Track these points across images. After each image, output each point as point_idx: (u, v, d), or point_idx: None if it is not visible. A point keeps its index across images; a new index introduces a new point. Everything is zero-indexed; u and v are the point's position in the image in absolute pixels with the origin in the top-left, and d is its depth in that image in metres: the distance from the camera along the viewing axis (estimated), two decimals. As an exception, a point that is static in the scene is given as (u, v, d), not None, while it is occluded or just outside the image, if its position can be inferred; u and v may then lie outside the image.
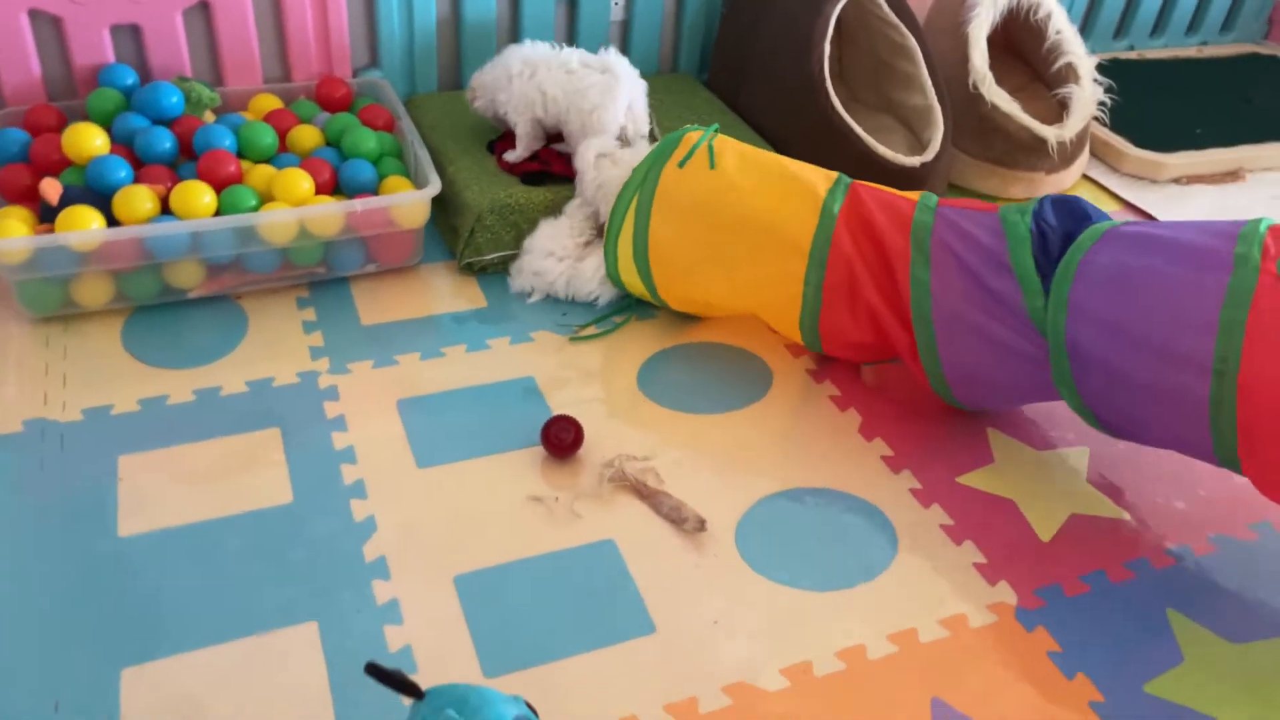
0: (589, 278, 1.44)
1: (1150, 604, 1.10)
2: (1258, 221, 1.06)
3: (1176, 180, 1.92)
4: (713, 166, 1.34)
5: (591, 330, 1.42)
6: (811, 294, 1.29)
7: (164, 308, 1.39)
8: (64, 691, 0.93)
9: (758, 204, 1.31)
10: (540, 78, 1.50)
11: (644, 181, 1.37)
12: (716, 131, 1.40)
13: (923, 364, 1.25)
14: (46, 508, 1.10)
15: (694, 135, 1.39)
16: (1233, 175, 1.96)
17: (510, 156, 1.55)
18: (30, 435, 1.19)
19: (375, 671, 0.80)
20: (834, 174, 1.33)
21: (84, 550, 1.06)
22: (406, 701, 0.79)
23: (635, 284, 1.42)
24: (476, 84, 1.59)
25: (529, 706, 0.82)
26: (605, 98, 1.47)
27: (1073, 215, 1.19)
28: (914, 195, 1.30)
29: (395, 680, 0.80)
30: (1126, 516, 1.21)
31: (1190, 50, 2.39)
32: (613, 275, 1.43)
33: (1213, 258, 1.04)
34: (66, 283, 1.33)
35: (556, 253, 1.45)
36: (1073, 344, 1.12)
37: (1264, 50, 2.43)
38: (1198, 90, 2.20)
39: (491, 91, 1.56)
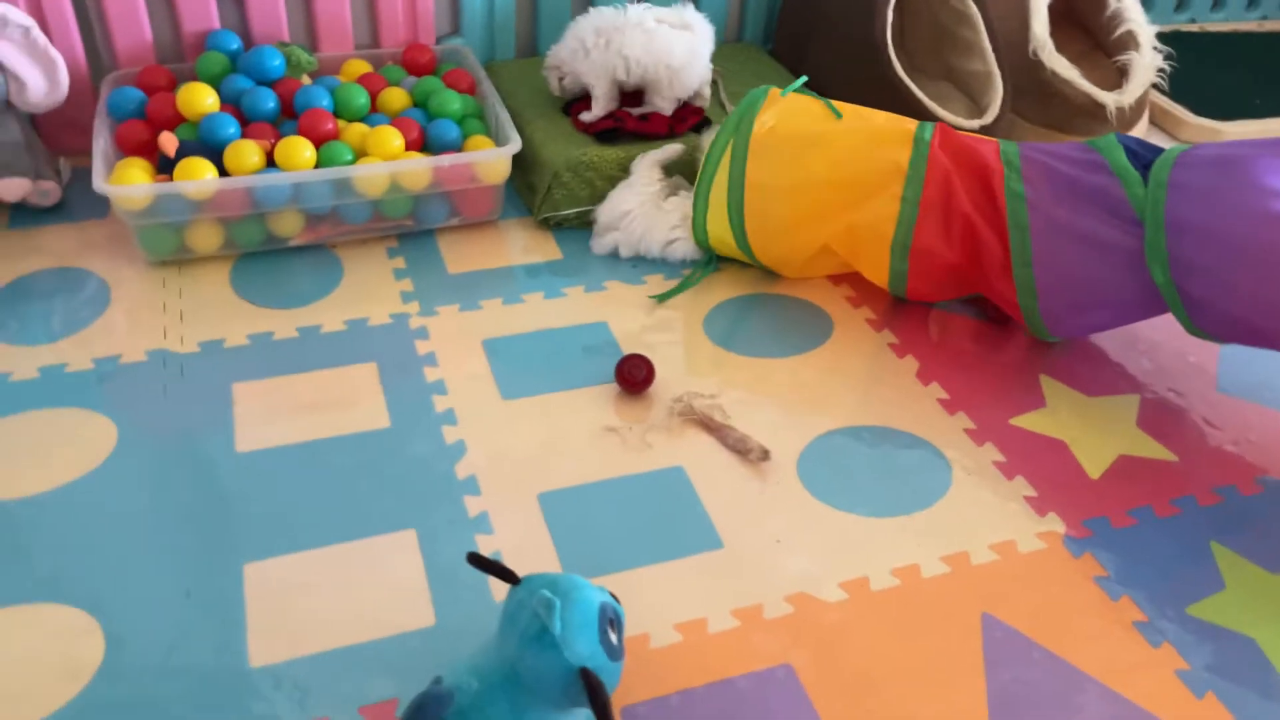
0: (666, 224, 1.51)
1: (1195, 536, 1.16)
2: None
3: (1236, 148, 1.95)
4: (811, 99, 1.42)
5: (670, 286, 1.50)
6: (908, 211, 1.35)
7: (267, 254, 1.51)
8: (194, 581, 1.04)
9: (853, 139, 1.40)
10: (619, 42, 1.57)
11: (737, 129, 1.44)
12: (805, 82, 1.47)
13: (1014, 274, 1.32)
14: (172, 427, 1.22)
15: (776, 91, 1.46)
16: (1293, 144, 1.98)
17: (586, 117, 1.64)
18: (153, 364, 1.30)
19: (476, 560, 0.90)
20: (916, 121, 1.41)
21: (208, 463, 1.17)
22: (497, 597, 0.88)
23: (724, 236, 1.48)
24: (554, 62, 1.66)
25: (613, 597, 0.91)
26: (690, 55, 1.56)
27: (1148, 148, 1.28)
28: (991, 139, 1.38)
29: (494, 567, 0.90)
30: (1174, 458, 1.26)
31: (1250, 24, 2.40)
32: (699, 233, 1.50)
33: None
34: (181, 229, 1.45)
35: (633, 210, 1.53)
36: (1173, 222, 1.19)
37: (1329, 23, 2.43)
38: (1257, 62, 2.21)
39: (571, 65, 1.64)
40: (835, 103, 1.45)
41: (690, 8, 1.62)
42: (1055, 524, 1.16)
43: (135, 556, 1.06)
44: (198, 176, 1.40)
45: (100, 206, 1.57)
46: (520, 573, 0.90)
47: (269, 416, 1.24)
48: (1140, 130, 1.91)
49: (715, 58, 1.79)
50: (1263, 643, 1.05)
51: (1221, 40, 2.28)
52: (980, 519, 1.17)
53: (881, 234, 1.38)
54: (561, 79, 1.67)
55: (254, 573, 1.05)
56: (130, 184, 1.38)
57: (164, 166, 1.44)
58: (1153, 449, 1.28)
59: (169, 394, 1.26)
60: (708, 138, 1.53)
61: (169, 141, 1.43)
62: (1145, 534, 1.16)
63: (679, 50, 1.57)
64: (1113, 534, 1.16)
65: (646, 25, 1.58)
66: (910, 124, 1.39)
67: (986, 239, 1.33)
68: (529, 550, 1.09)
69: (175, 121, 1.52)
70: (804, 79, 1.49)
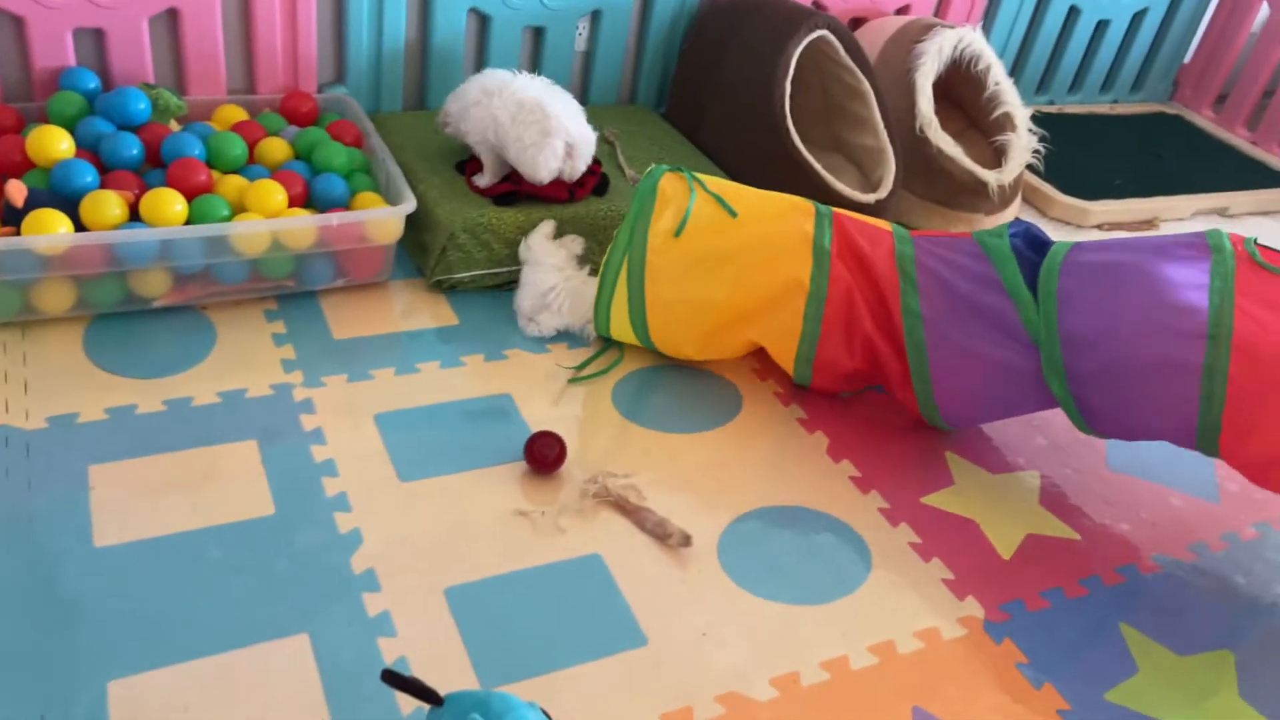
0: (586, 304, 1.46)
1: (1105, 618, 1.18)
2: (1215, 230, 1.21)
3: (1099, 226, 2.06)
4: (678, 234, 1.36)
5: (590, 369, 1.43)
6: (810, 328, 1.33)
7: (126, 316, 1.36)
8: (50, 704, 0.90)
9: (753, 254, 1.34)
10: (494, 104, 1.50)
11: (630, 244, 1.37)
12: (692, 180, 1.40)
13: (914, 387, 1.32)
14: (16, 516, 1.06)
15: (669, 182, 1.40)
16: (1148, 224, 2.11)
17: (480, 182, 1.56)
18: (-8, 442, 1.14)
19: (392, 678, 0.80)
20: (810, 204, 1.38)
21: (61, 559, 1.02)
22: (404, 710, 0.79)
23: (627, 336, 1.44)
24: (446, 110, 1.60)
25: (545, 714, 0.83)
26: (541, 141, 1.47)
27: (1036, 239, 1.30)
28: (884, 223, 1.37)
29: (413, 686, 0.80)
30: (1078, 537, 1.28)
31: (1104, 107, 2.56)
32: (602, 328, 1.44)
33: (1191, 249, 1.18)
34: (26, 288, 1.29)
35: (558, 285, 1.47)
36: (1066, 334, 1.21)
37: (1169, 110, 2.61)
38: (1113, 144, 2.35)
39: (457, 119, 1.57)
40: (727, 187, 1.41)
41: (560, 94, 1.53)
42: (974, 608, 1.15)
43: (-29, 677, 0.91)
44: (50, 229, 1.25)
45: (-74, 257, 1.38)
46: (431, 684, 0.81)
47: (133, 504, 1.10)
48: (1015, 208, 1.98)
49: (611, 118, 1.76)
50: (1178, 727, 1.06)
51: (1079, 121, 2.42)
52: (903, 605, 1.15)
53: (786, 347, 1.37)
54: (444, 125, 1.61)
55: (120, 692, 0.92)
56: (-31, 236, 1.22)
57: (9, 217, 1.28)
58: (1057, 528, 1.29)
59: (11, 477, 1.11)
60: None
61: (17, 190, 1.27)
62: (1058, 617, 1.17)
63: (531, 133, 1.47)
64: (1028, 618, 1.16)
65: (521, 97, 1.49)
66: (807, 217, 1.35)
67: (886, 355, 1.33)
68: (438, 654, 1.00)
69: (24, 167, 1.36)
70: (691, 174, 1.42)
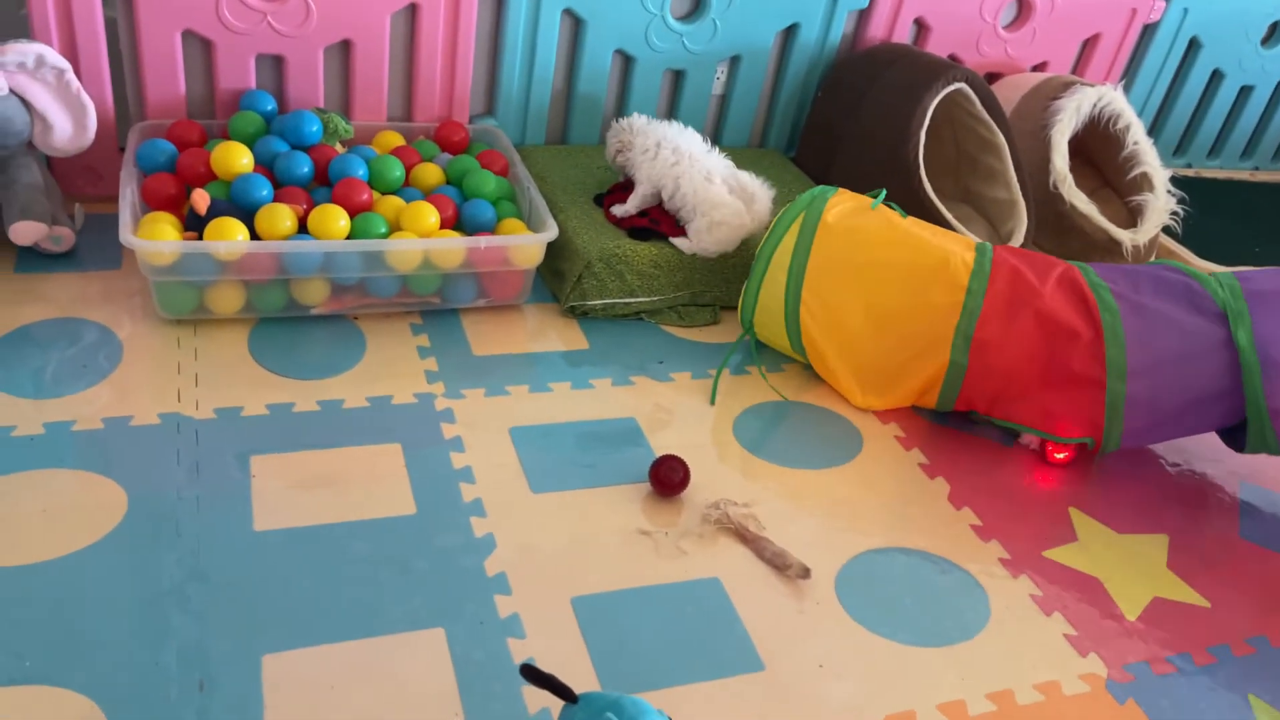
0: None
1: (1233, 687, 1.14)
2: None
3: (1236, 293, 2.00)
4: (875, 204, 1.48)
5: (697, 385, 1.48)
6: (973, 302, 1.39)
7: (287, 321, 1.45)
8: (209, 672, 0.96)
9: (912, 263, 1.43)
10: (682, 169, 1.59)
11: (808, 210, 1.46)
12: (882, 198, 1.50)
13: (1108, 358, 1.35)
14: (185, 497, 1.15)
15: (839, 198, 1.49)
16: (1289, 293, 2.04)
17: (619, 211, 1.63)
18: (167, 428, 1.24)
19: (531, 673, 0.85)
20: (971, 239, 1.47)
21: (224, 540, 1.10)
22: (530, 709, 0.82)
23: (776, 330, 1.51)
24: (623, 140, 1.66)
25: (671, 720, 0.86)
26: (731, 216, 1.57)
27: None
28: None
29: (550, 683, 0.84)
30: (1206, 604, 1.25)
31: (1244, 173, 2.50)
32: (747, 319, 1.52)
33: None
34: (202, 289, 1.39)
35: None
36: (1248, 289, 1.35)
37: (1314, 179, 2.54)
38: (1253, 211, 2.30)
39: (636, 151, 1.64)
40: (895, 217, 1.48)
41: (761, 181, 1.61)
42: (1097, 666, 1.14)
43: (143, 638, 0.98)
44: (230, 237, 1.35)
45: (113, 257, 1.51)
46: (570, 687, 0.84)
47: (289, 494, 1.17)
48: (1149, 268, 1.95)
49: (742, 161, 1.80)
50: (1312, 807, 1.02)
51: (1218, 187, 2.37)
52: (1022, 655, 1.14)
53: (943, 330, 1.40)
54: (618, 151, 1.68)
55: (273, 666, 0.98)
56: (159, 239, 1.33)
57: (192, 223, 1.40)
58: (1185, 593, 1.26)
59: (181, 461, 1.20)
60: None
61: (202, 199, 1.39)
62: (1185, 682, 1.14)
63: (721, 209, 1.57)
64: (1154, 680, 1.13)
65: (711, 175, 1.59)
66: (969, 247, 1.45)
67: (1072, 324, 1.36)
68: (564, 659, 1.04)
69: (206, 178, 1.48)
70: (883, 192, 1.52)
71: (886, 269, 1.42)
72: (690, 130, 1.66)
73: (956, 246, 1.44)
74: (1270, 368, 1.32)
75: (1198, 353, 1.34)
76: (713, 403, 1.45)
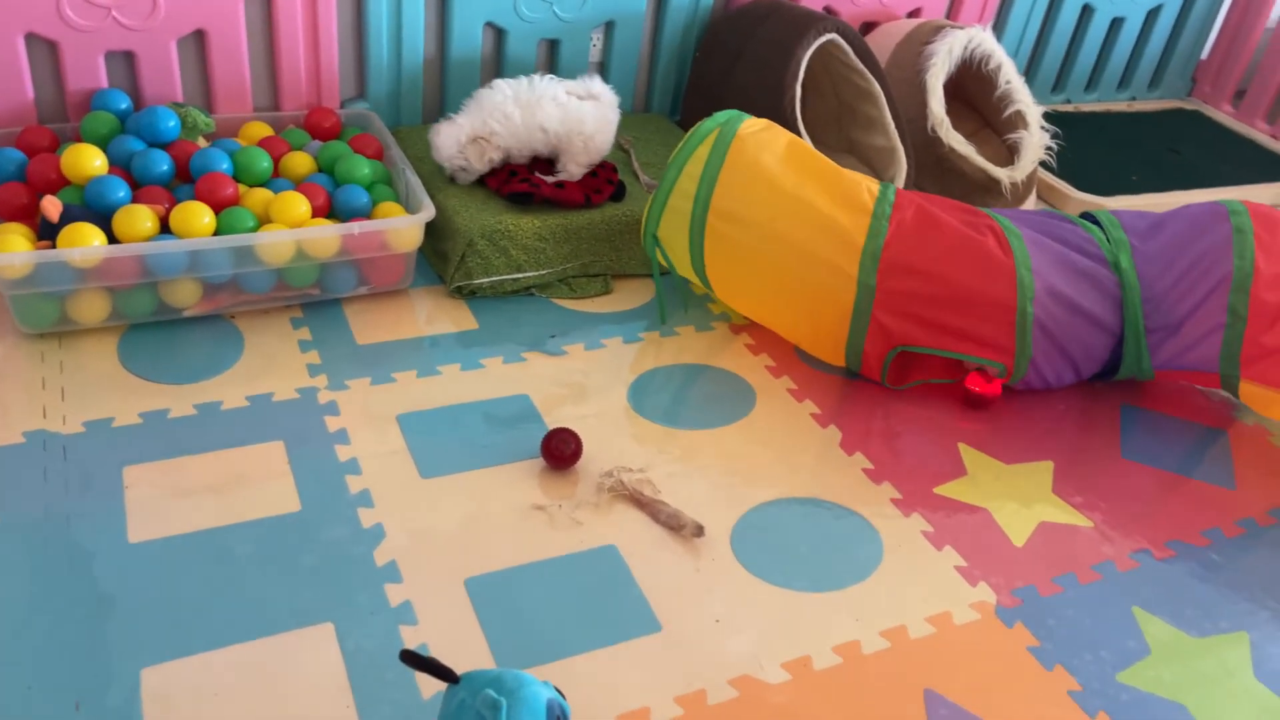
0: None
1: (1117, 602, 1.18)
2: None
3: (1116, 222, 2.06)
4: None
5: (589, 356, 1.47)
6: (878, 224, 1.41)
7: (159, 325, 1.41)
8: (85, 691, 0.94)
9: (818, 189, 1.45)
10: (538, 117, 1.59)
11: (716, 140, 1.46)
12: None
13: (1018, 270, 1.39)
14: (54, 516, 1.11)
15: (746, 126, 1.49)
16: (1166, 218, 2.11)
17: (552, 179, 1.64)
18: (32, 447, 1.19)
19: (410, 658, 0.84)
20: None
21: (97, 555, 1.07)
22: (425, 694, 0.82)
23: (680, 251, 1.50)
24: (483, 133, 1.59)
25: (558, 691, 0.86)
26: (600, 123, 1.61)
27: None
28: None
29: (430, 665, 0.84)
30: (1090, 524, 1.29)
31: (1121, 104, 2.56)
32: (651, 233, 1.51)
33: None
34: (63, 299, 1.34)
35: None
36: (1125, 222, 1.48)
37: (1188, 105, 2.61)
38: (1130, 141, 2.36)
39: (503, 138, 1.60)
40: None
41: (596, 79, 1.67)
42: (986, 594, 1.17)
43: (14, 662, 0.95)
44: (84, 243, 1.30)
45: (-31, 273, 1.45)
46: (450, 667, 0.84)
47: (166, 503, 1.14)
48: (1030, 205, 1.99)
49: (625, 127, 1.80)
50: (1192, 708, 1.06)
51: (1096, 119, 2.43)
52: (914, 591, 1.16)
53: (849, 252, 1.40)
54: (484, 153, 1.61)
55: (153, 679, 0.95)
56: (8, 251, 1.28)
57: (45, 232, 1.34)
58: (1070, 515, 1.30)
59: (49, 479, 1.15)
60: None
61: (53, 206, 1.33)
62: (1071, 601, 1.17)
63: (590, 119, 1.62)
64: (1041, 602, 1.17)
65: (559, 98, 1.61)
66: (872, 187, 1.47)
67: (984, 245, 1.39)
68: (457, 641, 1.03)
69: (59, 185, 1.42)
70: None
71: (795, 189, 1.43)
72: (511, 80, 1.64)
73: (862, 179, 1.46)
74: (1147, 287, 1.39)
75: (1085, 287, 1.40)
76: (663, 320, 1.55)
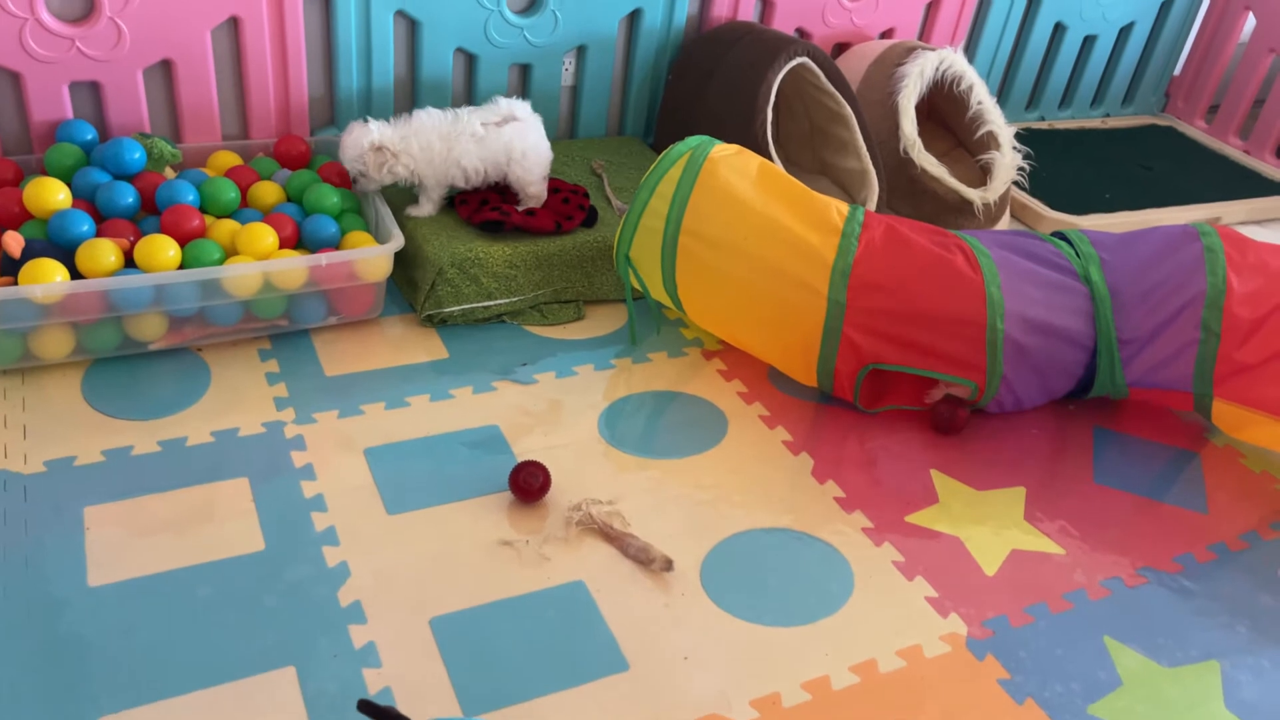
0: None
1: (1089, 632, 1.18)
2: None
3: (1090, 240, 2.06)
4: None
5: (561, 384, 1.46)
6: (847, 243, 1.41)
7: (124, 360, 1.39)
8: (39, 742, 0.92)
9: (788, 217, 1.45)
10: (455, 153, 1.57)
11: (688, 163, 1.46)
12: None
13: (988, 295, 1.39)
14: (13, 559, 1.09)
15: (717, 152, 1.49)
16: (1140, 236, 2.11)
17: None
18: (-9, 487, 1.18)
19: (367, 708, 0.83)
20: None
21: (56, 600, 1.05)
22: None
23: (651, 266, 1.49)
24: (402, 147, 1.56)
25: (519, 738, 0.85)
26: (524, 143, 1.59)
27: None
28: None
29: (388, 715, 0.83)
30: (1062, 551, 1.29)
31: (1095, 121, 2.57)
32: (623, 254, 1.51)
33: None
34: (25, 335, 1.33)
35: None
36: (1094, 239, 1.49)
37: (1161, 121, 2.63)
38: (1104, 158, 2.37)
39: (420, 167, 1.58)
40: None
41: (505, 99, 1.62)
42: (957, 625, 1.16)
43: (-34, 717, 0.93)
44: (47, 278, 1.29)
45: (-69, 308, 1.43)
46: (413, 715, 0.83)
47: (127, 543, 1.13)
48: (1003, 224, 1.99)
49: (599, 151, 1.80)
50: (1163, 740, 1.06)
51: (1070, 137, 2.44)
52: (885, 624, 1.15)
53: (819, 268, 1.40)
54: (384, 164, 1.56)
55: (109, 729, 0.94)
56: (-32, 288, 1.26)
57: (6, 268, 1.33)
58: (1041, 543, 1.30)
59: (9, 521, 1.14)
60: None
61: (14, 241, 1.32)
62: (1042, 632, 1.17)
63: (515, 143, 1.59)
64: (1011, 634, 1.16)
65: (476, 133, 1.58)
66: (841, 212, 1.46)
67: (953, 263, 1.40)
68: (422, 684, 1.02)
69: (21, 219, 1.40)
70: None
71: (765, 209, 1.43)
72: (438, 110, 1.61)
73: (831, 201, 1.47)
74: (1117, 298, 1.41)
75: (1056, 302, 1.41)
76: (633, 342, 1.57)
